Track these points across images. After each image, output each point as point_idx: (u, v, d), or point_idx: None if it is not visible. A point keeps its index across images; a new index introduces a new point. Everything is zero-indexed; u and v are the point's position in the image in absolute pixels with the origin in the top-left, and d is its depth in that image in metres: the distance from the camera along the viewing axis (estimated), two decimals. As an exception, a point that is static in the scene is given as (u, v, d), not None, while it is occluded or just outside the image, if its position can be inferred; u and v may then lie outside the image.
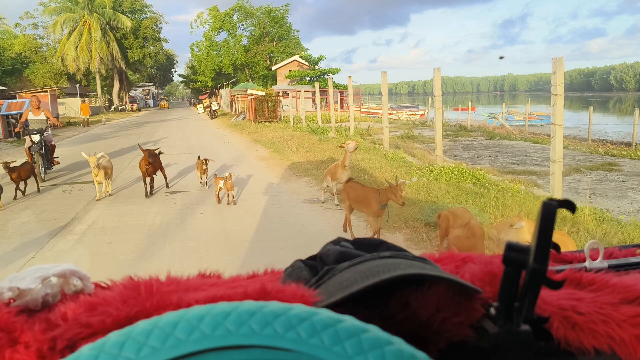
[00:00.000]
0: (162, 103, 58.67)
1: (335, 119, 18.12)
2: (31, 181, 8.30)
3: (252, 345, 0.30)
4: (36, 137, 9.47)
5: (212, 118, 30.75)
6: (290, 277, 0.57)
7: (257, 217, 6.37)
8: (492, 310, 0.46)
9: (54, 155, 10.50)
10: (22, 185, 7.94)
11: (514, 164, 11.44)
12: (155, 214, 6.71)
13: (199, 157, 8.44)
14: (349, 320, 0.31)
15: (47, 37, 47.94)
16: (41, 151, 9.41)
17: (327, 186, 7.07)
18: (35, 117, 9.99)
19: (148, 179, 7.73)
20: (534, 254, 0.42)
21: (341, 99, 33.23)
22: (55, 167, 10.54)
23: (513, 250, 0.43)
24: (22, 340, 0.41)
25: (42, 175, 9.30)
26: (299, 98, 24.66)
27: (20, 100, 21.69)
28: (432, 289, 0.48)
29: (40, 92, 26.53)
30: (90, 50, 44.89)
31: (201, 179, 8.31)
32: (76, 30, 44.99)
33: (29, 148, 9.47)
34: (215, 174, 7.64)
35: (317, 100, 20.73)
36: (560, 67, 6.65)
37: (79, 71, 44.71)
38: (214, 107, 31.97)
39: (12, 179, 7.70)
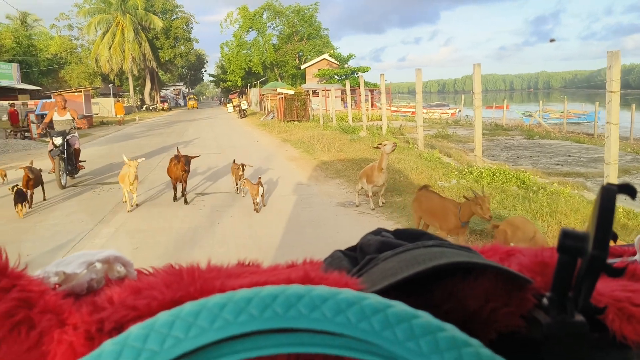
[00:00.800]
0: (191, 103, 54.67)
1: (366, 118, 17.68)
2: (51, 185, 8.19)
3: (300, 328, 0.30)
4: (58, 140, 8.74)
5: (242, 117, 30.72)
6: (330, 266, 0.56)
7: (287, 221, 6.06)
8: (545, 301, 0.45)
9: (80, 159, 9.70)
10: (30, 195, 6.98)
11: (558, 164, 10.84)
12: (183, 216, 6.48)
13: (234, 160, 7.79)
14: (399, 306, 0.30)
15: (81, 38, 49.01)
16: (63, 155, 8.62)
17: (362, 188, 6.72)
18: (60, 118, 9.37)
19: (179, 185, 7.23)
20: (594, 240, 0.40)
21: (371, 98, 32.78)
22: (81, 172, 9.74)
23: (569, 238, 0.41)
24: (70, 322, 0.42)
25: (63, 181, 8.46)
26: (328, 97, 24.35)
27: (54, 100, 22.01)
28: (480, 278, 0.47)
29: (74, 92, 26.99)
30: (123, 51, 45.57)
31: (237, 184, 7.55)
32: (109, 31, 45.74)
33: (51, 151, 8.78)
34: (246, 179, 6.95)
35: (348, 99, 20.35)
36: (617, 62, 6.11)
37: (112, 71, 45.46)
38: (244, 106, 31.94)
39: (23, 184, 6.79)
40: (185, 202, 7.09)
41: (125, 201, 6.92)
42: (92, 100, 35.52)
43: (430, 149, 11.67)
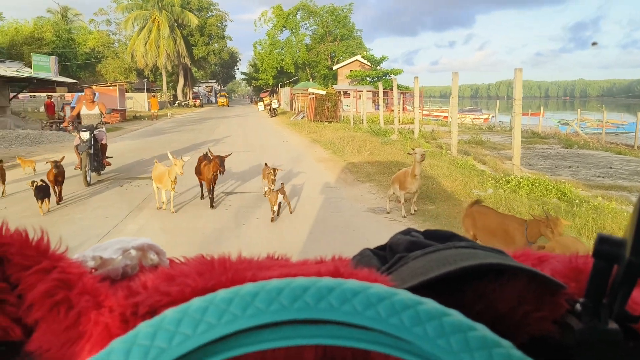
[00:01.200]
0: (222, 100, 53.07)
1: (398, 121, 17.35)
2: (75, 181, 8.16)
3: (330, 320, 0.30)
4: (85, 135, 8.39)
5: (272, 116, 30.71)
6: (359, 264, 0.56)
7: (315, 225, 5.85)
8: (578, 307, 0.45)
9: (107, 155, 9.33)
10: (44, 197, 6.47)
11: (599, 176, 10.33)
12: (209, 216, 6.34)
13: (266, 164, 7.39)
14: (430, 303, 0.30)
15: (118, 34, 49.94)
16: (90, 150, 8.30)
17: (393, 194, 6.46)
18: (88, 112, 9.00)
19: (204, 185, 6.98)
20: (631, 246, 0.40)
21: (403, 101, 32.38)
22: (107, 168, 9.34)
23: (606, 243, 0.41)
24: (106, 304, 0.44)
25: (88, 178, 8.14)
26: (359, 98, 24.09)
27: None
28: (512, 281, 0.47)
29: (109, 86, 27.44)
30: (158, 47, 46.20)
31: (267, 189, 7.04)
32: (146, 27, 46.45)
33: (77, 146, 8.50)
34: (274, 191, 6.16)
35: (380, 101, 20.04)
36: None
37: (146, 67, 46.17)
38: (274, 105, 31.91)
39: (48, 178, 6.62)
40: (212, 206, 6.74)
41: (163, 202, 6.63)
42: (127, 94, 36.15)
43: (464, 156, 11.30)
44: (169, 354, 0.28)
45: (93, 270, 0.54)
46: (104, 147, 9.10)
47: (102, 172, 9.18)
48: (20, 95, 30.07)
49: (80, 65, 42.82)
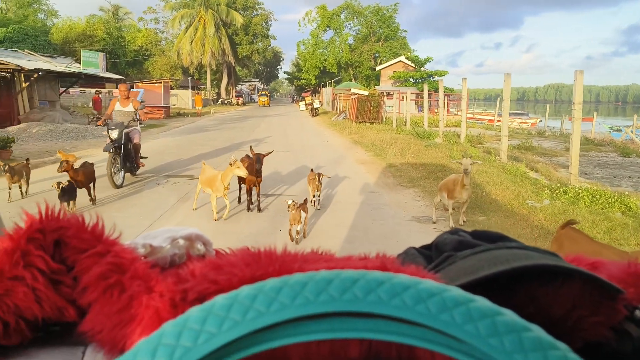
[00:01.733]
0: (262, 99, 50.87)
1: (443, 124, 16.76)
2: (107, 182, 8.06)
3: (379, 314, 0.29)
4: (114, 134, 7.87)
5: (314, 116, 30.54)
6: (404, 262, 0.54)
7: (357, 234, 5.50)
8: (637, 313, 0.45)
9: (141, 155, 8.74)
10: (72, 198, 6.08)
11: (664, 189, 9.52)
12: (246, 219, 6.10)
13: (312, 170, 6.79)
14: (482, 301, 0.29)
15: (166, 32, 51.01)
16: (119, 150, 7.83)
17: (440, 201, 6.04)
18: (121, 109, 8.45)
19: (252, 189, 6.44)
20: None
21: (446, 103, 31.58)
22: (141, 169, 8.82)
23: None
24: (156, 289, 0.45)
25: (118, 180, 7.63)
26: (402, 99, 23.55)
27: (135, 89, 22.77)
28: (566, 285, 0.46)
29: (155, 83, 27.89)
30: (204, 45, 46.89)
31: (313, 197, 6.57)
32: (192, 26, 47.25)
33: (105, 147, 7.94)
34: (299, 206, 5.12)
35: (425, 103, 19.48)
36: None
37: (192, 65, 46.95)
38: (316, 105, 31.72)
39: (74, 180, 6.19)
40: (249, 208, 6.45)
41: (216, 211, 6.04)
42: (172, 91, 36.79)
43: (514, 162, 10.69)
44: (218, 340, 0.28)
45: (143, 257, 0.54)
46: (137, 147, 8.53)
47: (135, 173, 8.65)
48: (71, 91, 31.13)
49: (129, 63, 43.95)
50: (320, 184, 6.53)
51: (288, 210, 5.09)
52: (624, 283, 0.48)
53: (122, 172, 7.92)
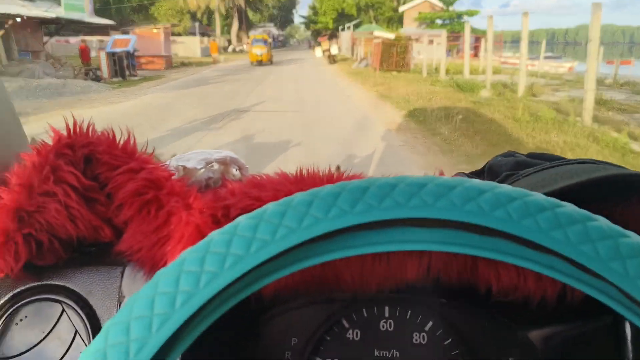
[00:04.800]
0: (256, 51, 49.33)
1: (490, 71, 13.76)
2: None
3: (451, 220, 0.26)
4: None
5: (331, 63, 27.53)
6: None
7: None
8: None
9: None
10: None
11: None
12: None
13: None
14: (570, 206, 0.26)
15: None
16: None
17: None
18: None
19: None
20: None
21: (475, 46, 28.14)
22: None
23: None
24: (195, 206, 0.44)
25: None
26: (432, 43, 20.46)
27: (125, 36, 19.97)
28: None
29: (154, 29, 25.03)
30: (211, -14, 43.50)
31: None
32: (198, -35, 43.69)
33: None
34: None
35: (465, 46, 16.37)
36: None
37: (199, 9, 43.77)
38: (334, 51, 28.56)
39: None
40: None
41: None
42: (179, 39, 33.93)
43: (600, 125, 7.87)
44: (273, 248, 0.26)
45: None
46: None
47: None
48: (72, 40, 28.46)
49: (133, 8, 41.16)
50: None
51: None
52: None
53: None
